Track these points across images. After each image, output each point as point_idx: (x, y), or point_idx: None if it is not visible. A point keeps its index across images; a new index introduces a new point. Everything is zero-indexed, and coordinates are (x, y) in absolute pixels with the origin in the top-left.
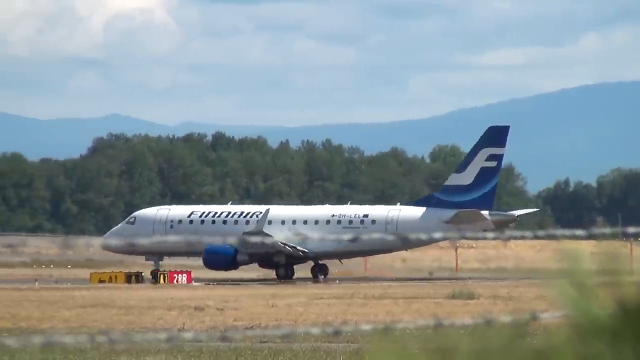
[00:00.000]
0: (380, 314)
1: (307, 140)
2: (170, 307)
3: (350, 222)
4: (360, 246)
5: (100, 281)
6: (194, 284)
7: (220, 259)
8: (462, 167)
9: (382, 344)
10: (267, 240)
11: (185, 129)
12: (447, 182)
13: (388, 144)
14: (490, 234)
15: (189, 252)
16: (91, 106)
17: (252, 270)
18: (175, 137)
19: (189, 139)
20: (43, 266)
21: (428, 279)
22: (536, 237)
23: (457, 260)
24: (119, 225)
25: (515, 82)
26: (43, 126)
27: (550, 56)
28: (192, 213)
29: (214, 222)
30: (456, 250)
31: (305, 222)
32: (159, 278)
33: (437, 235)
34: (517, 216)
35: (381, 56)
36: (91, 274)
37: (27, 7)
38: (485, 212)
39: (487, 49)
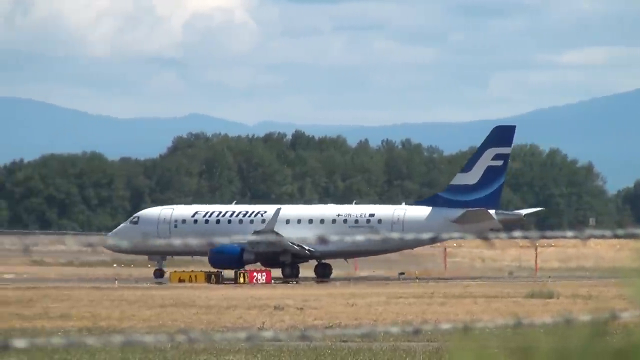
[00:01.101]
0: (459, 313)
1: (387, 140)
2: (250, 306)
3: (356, 221)
4: (367, 245)
5: (180, 280)
6: (274, 283)
7: (227, 258)
8: (468, 167)
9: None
10: (278, 240)
11: (264, 128)
12: (452, 182)
13: (468, 143)
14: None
15: (196, 252)
16: (171, 106)
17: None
18: (255, 136)
19: (268, 138)
20: (123, 265)
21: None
22: (616, 237)
23: (536, 260)
24: (122, 225)
25: (596, 81)
26: (123, 125)
27: (631, 55)
28: (196, 213)
29: (218, 221)
30: (536, 249)
31: (310, 221)
32: (239, 277)
33: (445, 234)
34: (524, 215)
35: (461, 55)
36: (171, 273)
37: (107, 6)
38: (492, 212)
39: (567, 48)
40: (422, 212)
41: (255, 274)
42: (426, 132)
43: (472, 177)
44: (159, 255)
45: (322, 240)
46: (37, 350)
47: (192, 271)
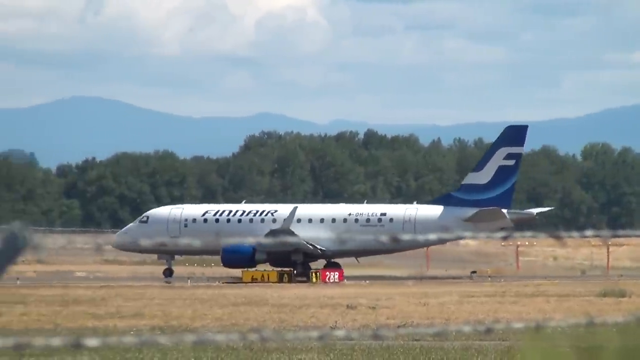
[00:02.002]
0: (531, 311)
1: (459, 138)
2: (322, 305)
3: (368, 220)
4: (377, 245)
5: (253, 279)
6: (346, 282)
7: (239, 258)
8: (479, 166)
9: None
10: (294, 239)
11: (336, 127)
12: (464, 181)
13: (540, 143)
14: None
15: (207, 252)
16: (243, 104)
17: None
18: (327, 135)
19: (340, 137)
20: (195, 264)
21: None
22: None
23: (608, 258)
24: (131, 224)
25: None
26: (195, 124)
27: None
28: (206, 212)
29: (228, 220)
30: (608, 248)
31: (322, 220)
32: (311, 276)
33: (455, 234)
34: (536, 214)
35: (532, 54)
36: (244, 271)
37: (179, 5)
38: (504, 211)
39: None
40: (433, 211)
41: (327, 273)
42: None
43: (484, 176)
44: (169, 255)
45: (341, 240)
46: (109, 349)
47: (264, 270)
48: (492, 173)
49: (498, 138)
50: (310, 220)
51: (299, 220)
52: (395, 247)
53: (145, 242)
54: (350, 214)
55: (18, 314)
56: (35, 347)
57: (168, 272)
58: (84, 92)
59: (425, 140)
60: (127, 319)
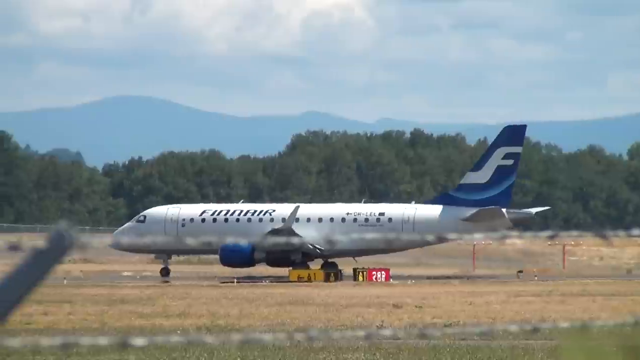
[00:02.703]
0: (578, 311)
1: None
2: (369, 304)
3: (367, 220)
4: (376, 244)
5: (299, 278)
6: (392, 281)
7: (237, 257)
8: (478, 166)
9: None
10: (297, 239)
11: (383, 126)
12: (462, 181)
13: (587, 142)
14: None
15: (205, 251)
16: (289, 103)
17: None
18: (374, 134)
19: (387, 136)
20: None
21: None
22: None
23: None
24: (128, 223)
25: None
26: (241, 123)
27: None
28: (204, 212)
29: (226, 220)
30: None
31: (320, 220)
32: (358, 275)
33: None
34: (535, 214)
35: (579, 53)
36: (290, 271)
37: (226, 4)
38: (503, 210)
39: None
40: (432, 211)
41: (374, 272)
42: (545, 130)
43: (482, 176)
44: (166, 254)
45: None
46: (155, 348)
47: (311, 269)
48: (491, 173)
49: (497, 138)
50: (308, 220)
51: (297, 220)
52: (393, 246)
53: (143, 242)
54: (348, 214)
55: (65, 314)
56: (82, 347)
57: (165, 272)
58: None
59: (471, 140)
60: (173, 318)
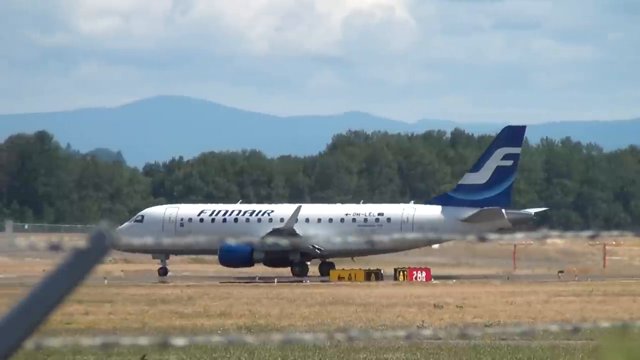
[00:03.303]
0: (618, 311)
1: (546, 138)
2: (410, 304)
3: (366, 220)
4: (374, 244)
5: (340, 278)
6: (433, 281)
7: (237, 257)
8: (477, 167)
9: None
10: (299, 239)
11: (424, 126)
12: (461, 181)
13: (627, 141)
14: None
15: (203, 251)
16: (330, 103)
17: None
18: (414, 134)
19: (428, 136)
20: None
21: None
22: None
23: None
24: (125, 223)
25: None
26: (282, 123)
27: None
28: (202, 212)
29: (224, 220)
30: None
31: (319, 220)
32: (399, 275)
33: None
34: (534, 214)
35: (620, 53)
36: (331, 271)
37: (266, 4)
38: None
39: None
40: (431, 211)
41: (414, 272)
42: (586, 130)
43: (481, 176)
44: (163, 254)
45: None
46: (196, 348)
47: (351, 269)
48: (490, 173)
49: (496, 138)
50: (307, 220)
51: (296, 220)
52: (392, 247)
53: (140, 242)
54: (347, 214)
55: (106, 313)
56: (122, 347)
57: (162, 271)
58: (171, 91)
59: None
60: (214, 318)
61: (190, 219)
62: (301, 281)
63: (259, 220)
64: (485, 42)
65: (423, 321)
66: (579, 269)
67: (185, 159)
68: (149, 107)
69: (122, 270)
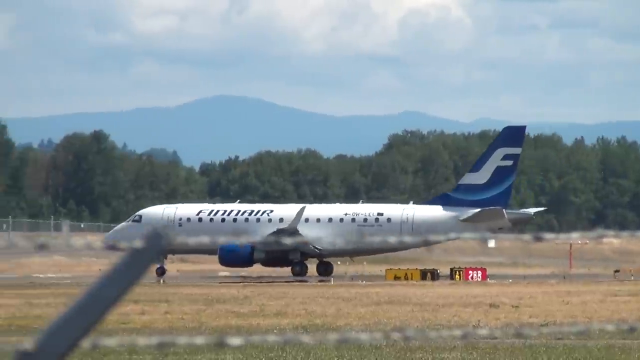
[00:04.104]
0: None
1: (602, 137)
2: (465, 304)
3: (365, 220)
4: (372, 244)
5: (396, 278)
6: (489, 281)
7: (237, 257)
8: (477, 167)
9: None
10: (302, 239)
11: (479, 125)
12: (461, 181)
13: None
14: None
15: (203, 250)
16: (386, 103)
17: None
18: (470, 133)
19: (484, 135)
20: (339, 262)
21: None
22: None
23: None
24: (123, 223)
25: None
26: (338, 123)
27: None
28: (200, 211)
29: (223, 220)
30: None
31: (318, 220)
32: (455, 275)
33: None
34: (534, 214)
35: None
36: (387, 270)
37: (322, 4)
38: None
39: None
40: (431, 211)
41: (470, 272)
42: None
43: (481, 176)
44: (162, 254)
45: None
46: (252, 347)
47: (407, 269)
48: (490, 173)
49: (496, 139)
50: (307, 220)
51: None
52: (391, 247)
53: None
54: (346, 214)
55: (162, 313)
56: (178, 346)
57: (160, 271)
58: (227, 91)
59: (568, 139)
60: (270, 317)
61: (188, 219)
62: (304, 281)
63: (258, 220)
64: (541, 41)
65: (479, 321)
66: (635, 268)
67: (241, 159)
68: (206, 107)
69: (178, 270)
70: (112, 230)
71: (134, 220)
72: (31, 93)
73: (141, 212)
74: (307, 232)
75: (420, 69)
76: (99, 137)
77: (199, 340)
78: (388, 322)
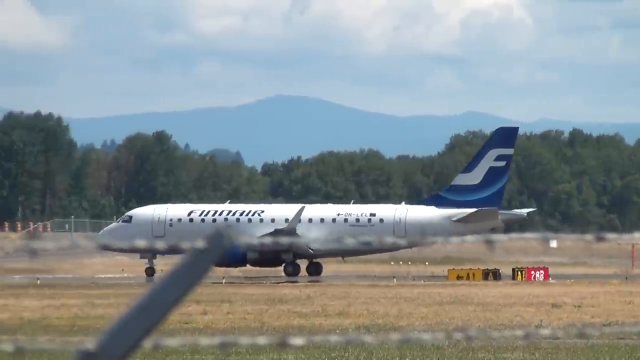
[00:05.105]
0: None
1: None
2: (527, 303)
3: (358, 220)
4: (366, 245)
5: (458, 278)
6: (551, 281)
7: (230, 257)
8: (469, 168)
9: None
10: (300, 240)
11: (541, 126)
12: (453, 182)
13: None
14: None
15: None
16: (448, 103)
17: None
18: (532, 134)
19: (546, 136)
20: (401, 263)
21: None
22: None
23: None
24: (113, 224)
25: None
26: (400, 123)
27: None
28: (191, 212)
29: (214, 220)
30: None
31: (310, 220)
32: (517, 275)
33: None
34: (526, 215)
35: None
36: (449, 270)
37: (384, 4)
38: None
39: None
40: (424, 211)
41: (532, 271)
42: None
43: (474, 177)
44: (151, 254)
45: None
46: (314, 347)
47: (469, 269)
48: (483, 174)
49: (488, 140)
50: (299, 220)
51: (286, 220)
52: (382, 247)
53: (133, 243)
54: (339, 214)
55: (224, 313)
56: (240, 346)
57: (150, 271)
58: (288, 91)
59: (630, 139)
60: (332, 317)
61: (179, 219)
62: (295, 281)
63: (250, 220)
64: (603, 41)
65: (541, 320)
66: None
67: (303, 159)
68: (268, 107)
69: (240, 270)
70: (102, 231)
71: (124, 221)
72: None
73: (131, 212)
74: (300, 232)
75: (482, 69)
76: (161, 137)
77: (261, 340)
78: (450, 322)
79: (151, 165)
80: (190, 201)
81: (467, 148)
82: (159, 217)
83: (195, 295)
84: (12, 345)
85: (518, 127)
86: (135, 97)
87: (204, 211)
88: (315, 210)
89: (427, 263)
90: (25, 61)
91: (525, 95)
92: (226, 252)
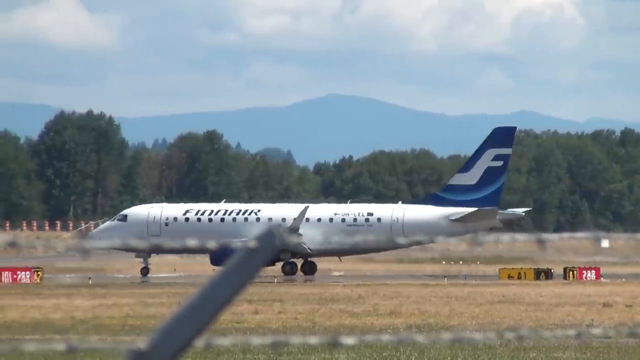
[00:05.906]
0: None
1: None
2: (579, 303)
3: (355, 220)
4: (362, 244)
5: (510, 277)
6: (603, 280)
7: (229, 257)
8: (467, 167)
9: None
10: (300, 239)
11: (593, 125)
12: (450, 182)
13: None
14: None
15: (192, 250)
16: (499, 102)
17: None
18: (584, 133)
19: (597, 135)
20: (452, 262)
21: None
22: None
23: None
24: (107, 222)
25: None
26: (451, 122)
27: None
28: (187, 211)
29: (210, 220)
30: None
31: (307, 219)
32: (568, 274)
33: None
34: (523, 214)
35: None
36: (500, 270)
37: (435, 3)
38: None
39: None
40: (421, 211)
41: (584, 271)
42: None
43: (471, 177)
44: (146, 253)
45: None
46: (366, 347)
47: (521, 268)
48: (480, 174)
49: (486, 139)
50: (306, 219)
51: (283, 220)
52: (380, 246)
53: (129, 242)
54: (336, 214)
55: (275, 312)
56: (292, 346)
57: (145, 271)
58: (339, 90)
59: None
60: (383, 317)
61: (175, 219)
62: (294, 280)
63: (246, 219)
64: None
65: (592, 320)
66: None
67: (355, 158)
68: (319, 106)
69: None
70: (96, 230)
71: (119, 220)
72: (144, 93)
73: (126, 211)
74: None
75: (532, 68)
76: (212, 137)
77: (313, 339)
78: (502, 321)
79: (202, 165)
80: (241, 201)
81: (518, 147)
82: (154, 217)
83: (247, 295)
84: (65, 344)
85: (516, 127)
86: (186, 96)
87: (199, 210)
88: (312, 210)
89: (478, 262)
90: (77, 61)
91: (576, 94)
92: (225, 253)
